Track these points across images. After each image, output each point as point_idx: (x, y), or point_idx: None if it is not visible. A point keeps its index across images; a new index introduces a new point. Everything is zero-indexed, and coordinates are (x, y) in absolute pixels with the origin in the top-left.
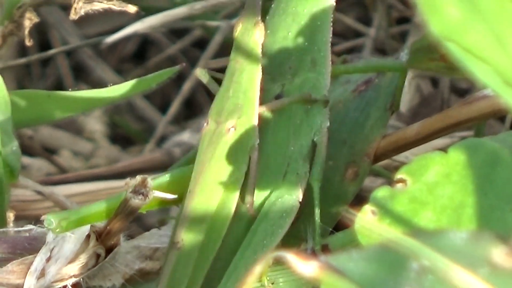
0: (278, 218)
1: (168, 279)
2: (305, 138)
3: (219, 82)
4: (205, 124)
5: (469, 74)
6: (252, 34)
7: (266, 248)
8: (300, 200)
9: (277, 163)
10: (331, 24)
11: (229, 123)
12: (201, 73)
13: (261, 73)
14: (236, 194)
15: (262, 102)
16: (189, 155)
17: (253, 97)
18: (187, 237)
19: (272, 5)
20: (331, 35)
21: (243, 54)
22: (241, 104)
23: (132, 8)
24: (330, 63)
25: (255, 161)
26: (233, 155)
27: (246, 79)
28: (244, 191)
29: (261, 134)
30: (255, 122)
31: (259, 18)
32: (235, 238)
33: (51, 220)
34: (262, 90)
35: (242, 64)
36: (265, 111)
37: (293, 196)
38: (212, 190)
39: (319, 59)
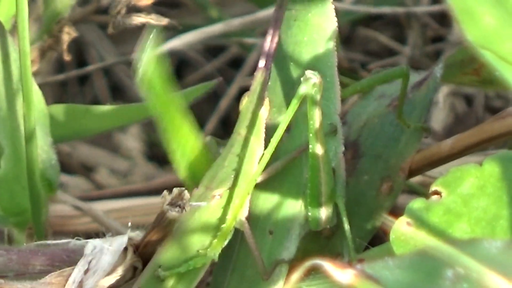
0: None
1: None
2: None
3: None
4: (195, 188)
5: (503, 83)
6: (256, 108)
7: None
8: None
9: (292, 192)
10: (335, 48)
11: (217, 191)
12: (210, 142)
13: (262, 147)
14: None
15: (269, 134)
16: None
17: (248, 171)
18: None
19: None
20: (336, 59)
21: (246, 127)
22: (234, 176)
23: (169, 22)
24: (339, 87)
25: (248, 235)
26: (213, 222)
27: (244, 153)
28: None
29: (273, 163)
30: (246, 195)
31: (265, 93)
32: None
33: None
34: (270, 122)
35: (243, 138)
36: (264, 175)
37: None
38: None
39: (325, 85)
